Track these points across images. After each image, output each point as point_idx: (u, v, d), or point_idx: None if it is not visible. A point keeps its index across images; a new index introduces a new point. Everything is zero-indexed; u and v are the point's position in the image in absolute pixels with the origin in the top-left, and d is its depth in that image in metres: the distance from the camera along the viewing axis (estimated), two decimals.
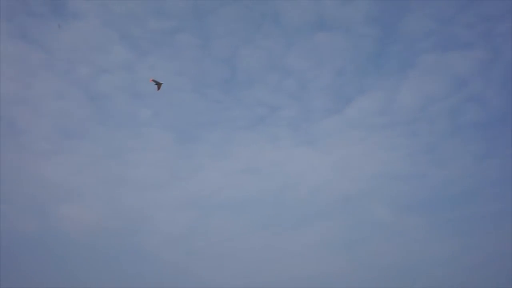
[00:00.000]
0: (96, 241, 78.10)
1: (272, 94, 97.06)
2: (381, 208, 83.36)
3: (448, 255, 74.95)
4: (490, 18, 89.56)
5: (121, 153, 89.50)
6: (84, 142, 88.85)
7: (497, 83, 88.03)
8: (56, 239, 75.55)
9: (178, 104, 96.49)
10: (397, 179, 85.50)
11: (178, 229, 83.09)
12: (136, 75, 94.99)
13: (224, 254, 79.20)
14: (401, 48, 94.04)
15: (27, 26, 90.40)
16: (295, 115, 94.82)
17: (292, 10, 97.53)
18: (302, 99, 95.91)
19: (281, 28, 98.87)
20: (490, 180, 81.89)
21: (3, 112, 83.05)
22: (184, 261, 78.32)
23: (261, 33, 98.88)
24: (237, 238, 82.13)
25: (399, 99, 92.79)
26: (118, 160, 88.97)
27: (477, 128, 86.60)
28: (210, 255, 79.11)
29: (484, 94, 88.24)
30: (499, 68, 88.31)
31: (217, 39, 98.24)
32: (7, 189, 76.91)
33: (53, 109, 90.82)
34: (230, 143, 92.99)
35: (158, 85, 65.31)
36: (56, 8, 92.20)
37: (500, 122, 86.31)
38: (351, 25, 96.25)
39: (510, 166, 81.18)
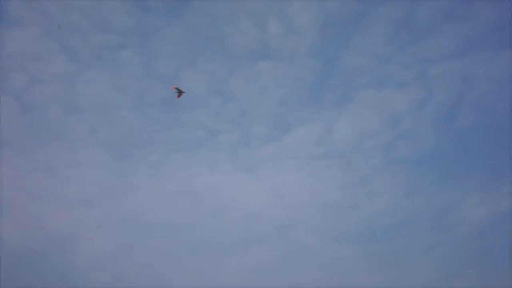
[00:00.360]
0: (17, 261, 74.27)
1: (213, 118, 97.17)
2: (314, 237, 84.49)
3: (376, 286, 76.57)
4: (425, 60, 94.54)
5: (51, 167, 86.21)
6: (12, 154, 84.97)
7: (428, 123, 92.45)
8: None
9: (116, 121, 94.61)
10: (330, 209, 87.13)
11: (107, 249, 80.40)
12: (74, 88, 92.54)
13: (153, 277, 77.30)
14: (341, 82, 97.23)
15: None
16: (235, 140, 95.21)
17: (238, 37, 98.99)
18: (242, 125, 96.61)
19: (226, 53, 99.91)
20: (417, 216, 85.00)
21: None
22: (111, 282, 75.71)
23: (205, 57, 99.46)
24: (168, 260, 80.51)
25: (336, 132, 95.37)
26: (47, 174, 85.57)
27: (407, 165, 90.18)
28: (139, 277, 77.02)
29: (416, 133, 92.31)
30: (431, 108, 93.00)
31: (160, 58, 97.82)
32: None
33: None
34: (167, 164, 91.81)
35: (180, 93, 63.90)
36: None
37: (429, 161, 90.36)
38: (295, 56, 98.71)
39: (436, 203, 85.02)
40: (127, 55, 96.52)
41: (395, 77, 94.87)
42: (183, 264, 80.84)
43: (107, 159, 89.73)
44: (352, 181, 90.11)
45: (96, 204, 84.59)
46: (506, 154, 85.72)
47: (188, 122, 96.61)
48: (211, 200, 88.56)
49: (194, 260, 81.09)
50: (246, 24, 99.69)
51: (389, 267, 78.51)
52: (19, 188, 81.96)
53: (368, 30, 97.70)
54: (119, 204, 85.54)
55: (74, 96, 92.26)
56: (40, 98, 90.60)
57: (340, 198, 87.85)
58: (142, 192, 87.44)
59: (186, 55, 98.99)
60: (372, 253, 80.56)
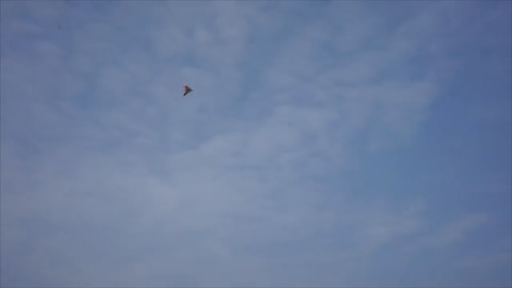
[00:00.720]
0: None
1: (131, 119, 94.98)
2: (222, 247, 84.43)
3: None
4: (343, 84, 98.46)
5: None
6: None
7: (341, 143, 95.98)
8: None
9: (26, 114, 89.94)
10: (241, 220, 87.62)
11: (3, 248, 75.48)
12: None
13: (51, 279, 73.66)
14: (262, 96, 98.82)
15: None
16: (152, 144, 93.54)
17: (165, 41, 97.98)
18: (161, 129, 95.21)
19: (151, 55, 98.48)
20: (324, 231, 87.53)
21: None
22: (5, 283, 71.12)
23: (129, 57, 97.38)
24: (68, 263, 77.15)
25: (253, 144, 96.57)
26: None
27: (318, 182, 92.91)
28: (36, 279, 73.04)
29: (329, 152, 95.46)
30: (344, 130, 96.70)
31: (82, 53, 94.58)
32: None
33: None
34: (78, 162, 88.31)
35: (188, 91, 61.27)
36: None
37: (339, 179, 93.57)
38: (220, 66, 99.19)
39: (343, 220, 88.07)
40: (46, 46, 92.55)
41: (313, 97, 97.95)
42: (84, 267, 77.79)
43: (11, 153, 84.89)
44: (265, 194, 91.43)
45: None
46: (410, 178, 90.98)
47: (105, 121, 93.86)
48: (121, 203, 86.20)
49: (97, 264, 78.27)
50: (174, 29, 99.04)
51: (294, 280, 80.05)
52: None
53: (292, 48, 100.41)
54: (20, 201, 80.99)
55: None
56: None
57: (252, 209, 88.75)
58: (46, 190, 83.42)
59: (109, 52, 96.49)
60: (278, 266, 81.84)
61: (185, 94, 64.51)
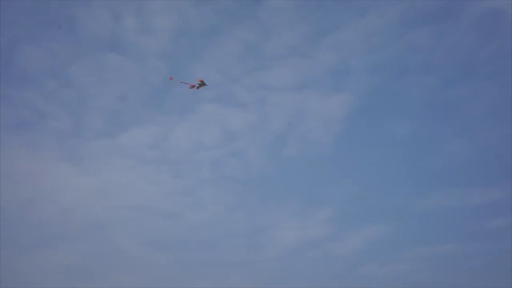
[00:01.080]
0: None
1: (45, 101, 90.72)
2: (130, 241, 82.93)
3: None
4: (267, 87, 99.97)
5: None
6: None
7: (259, 146, 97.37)
8: None
9: None
10: (153, 215, 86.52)
11: None
12: None
13: None
14: (186, 92, 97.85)
15: None
16: (66, 128, 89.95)
17: (90, 22, 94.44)
18: (77, 114, 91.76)
19: (74, 36, 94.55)
20: (236, 232, 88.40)
21: None
22: None
23: (50, 35, 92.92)
24: None
25: (172, 138, 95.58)
26: None
27: (234, 182, 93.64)
28: None
29: (246, 153, 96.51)
30: (264, 133, 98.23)
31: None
32: None
33: None
34: None
35: (202, 85, 59.13)
36: None
37: (255, 181, 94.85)
38: (145, 56, 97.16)
39: (255, 222, 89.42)
40: None
41: (238, 98, 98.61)
42: None
43: None
44: (179, 190, 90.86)
45: None
46: (321, 186, 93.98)
47: (16, 99, 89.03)
48: (25, 187, 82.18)
49: None
50: (101, 11, 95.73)
51: (201, 278, 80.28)
52: None
53: (221, 46, 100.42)
54: None
55: None
56: None
57: (165, 205, 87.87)
58: None
59: (28, 27, 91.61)
60: (187, 263, 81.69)
61: (198, 87, 62.25)
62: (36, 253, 76.88)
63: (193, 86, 63.79)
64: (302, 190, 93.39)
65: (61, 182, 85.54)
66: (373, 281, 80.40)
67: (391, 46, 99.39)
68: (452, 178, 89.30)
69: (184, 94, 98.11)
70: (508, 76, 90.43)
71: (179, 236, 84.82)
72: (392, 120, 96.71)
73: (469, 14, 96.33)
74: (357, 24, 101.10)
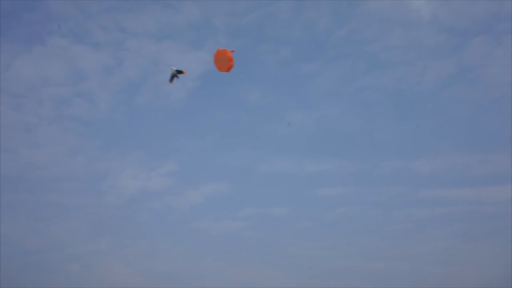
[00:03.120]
0: None
1: None
2: None
3: None
4: (125, 31, 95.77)
5: None
6: None
7: (110, 90, 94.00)
8: None
9: None
10: None
11: None
12: None
13: None
14: (38, 20, 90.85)
15: None
16: None
17: None
18: None
19: None
20: (75, 174, 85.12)
21: None
22: None
23: None
24: None
25: (14, 69, 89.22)
26: None
27: (78, 123, 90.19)
28: None
29: (96, 95, 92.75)
30: (118, 77, 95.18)
31: None
32: None
33: None
34: None
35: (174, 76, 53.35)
36: None
37: (100, 125, 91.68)
38: None
39: (97, 167, 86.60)
40: None
41: (93, 37, 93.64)
42: None
43: None
44: (18, 125, 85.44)
45: None
46: (167, 139, 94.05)
47: None
48: None
49: None
50: None
51: (32, 220, 76.42)
52: None
53: None
54: None
55: None
56: None
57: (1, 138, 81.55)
58: None
59: None
60: (18, 202, 77.27)
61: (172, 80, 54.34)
62: None
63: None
64: (148, 141, 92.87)
65: None
66: (208, 235, 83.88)
67: (253, 13, 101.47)
68: (292, 147, 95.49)
69: (36, 22, 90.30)
70: (351, 60, 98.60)
71: (12, 173, 79.60)
72: (245, 84, 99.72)
73: None
74: None
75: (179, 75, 55.05)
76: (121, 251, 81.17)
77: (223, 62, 52.19)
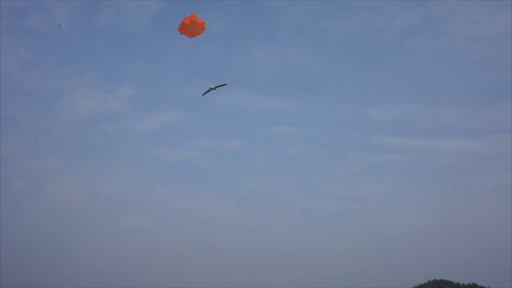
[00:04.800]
0: None
1: None
2: None
3: None
4: None
5: None
6: None
7: (70, 5, 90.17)
8: None
9: None
10: None
11: None
12: None
13: None
14: None
15: None
16: None
17: None
18: None
19: None
20: (26, 90, 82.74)
21: None
22: None
23: None
24: None
25: None
26: None
27: (32, 36, 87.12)
28: None
29: (53, 9, 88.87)
30: None
31: None
32: None
33: None
34: None
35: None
36: None
37: (55, 40, 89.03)
38: None
39: (49, 83, 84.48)
40: None
41: None
42: None
43: None
44: None
45: None
46: (126, 62, 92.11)
47: None
48: None
49: None
50: None
51: None
52: None
53: None
54: None
55: None
56: None
57: None
58: None
59: None
60: None
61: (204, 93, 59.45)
62: None
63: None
64: (106, 62, 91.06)
65: None
66: (161, 162, 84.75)
67: None
68: (252, 83, 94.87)
69: None
70: (320, 1, 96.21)
71: None
72: (211, 13, 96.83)
73: None
74: None
75: (218, 88, 57.93)
76: (71, 171, 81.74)
77: (194, 28, 54.27)
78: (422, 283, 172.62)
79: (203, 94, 58.00)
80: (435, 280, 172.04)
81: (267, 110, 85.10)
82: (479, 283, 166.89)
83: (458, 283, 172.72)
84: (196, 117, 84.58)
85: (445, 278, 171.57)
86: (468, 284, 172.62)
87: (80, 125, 76.39)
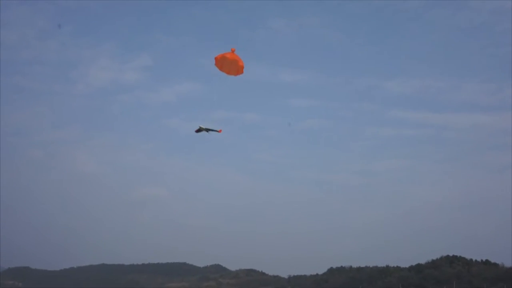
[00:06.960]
0: None
1: None
2: None
3: None
4: None
5: None
6: None
7: None
8: None
9: None
10: None
11: None
12: None
13: None
14: None
15: None
16: None
17: None
18: None
19: None
20: (45, 60, 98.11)
21: None
22: None
23: None
24: None
25: None
26: None
27: (51, 5, 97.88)
28: None
29: None
30: None
31: None
32: None
33: None
34: None
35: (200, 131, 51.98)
36: None
37: (72, 12, 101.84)
38: None
39: (66, 53, 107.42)
40: None
41: None
42: None
43: None
44: None
45: None
46: (144, 32, 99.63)
47: None
48: None
49: None
50: None
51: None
52: None
53: None
54: None
55: None
56: None
57: None
58: None
59: None
60: None
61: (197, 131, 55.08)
62: None
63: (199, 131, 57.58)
64: (124, 32, 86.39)
65: None
66: (177, 134, 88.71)
67: None
68: (268, 55, 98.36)
69: None
70: None
71: None
72: None
73: None
74: None
75: (211, 132, 57.08)
76: (88, 141, 70.16)
77: (231, 65, 52.37)
78: (434, 258, 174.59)
79: (196, 131, 58.00)
80: (447, 256, 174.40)
81: (283, 82, 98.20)
82: (492, 260, 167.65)
83: (471, 259, 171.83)
84: (212, 90, 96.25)
85: (458, 254, 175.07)
86: (482, 260, 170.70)
87: (96, 95, 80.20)
